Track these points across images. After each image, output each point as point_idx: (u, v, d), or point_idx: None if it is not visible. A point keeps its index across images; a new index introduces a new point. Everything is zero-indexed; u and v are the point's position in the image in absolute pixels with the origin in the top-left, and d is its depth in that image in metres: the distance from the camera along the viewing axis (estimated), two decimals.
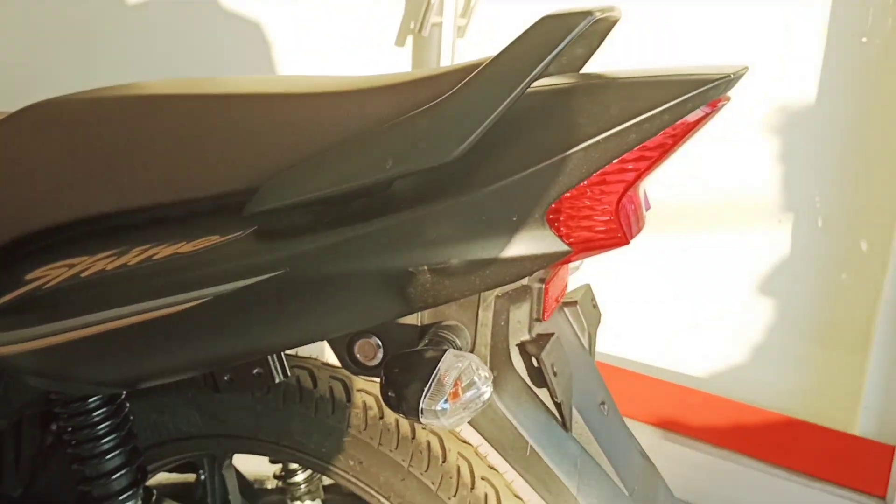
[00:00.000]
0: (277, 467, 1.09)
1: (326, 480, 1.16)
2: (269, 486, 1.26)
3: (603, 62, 0.71)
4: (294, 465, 1.07)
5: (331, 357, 0.89)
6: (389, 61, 2.15)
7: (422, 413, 0.56)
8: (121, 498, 0.77)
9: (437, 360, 0.58)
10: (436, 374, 0.56)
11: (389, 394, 0.58)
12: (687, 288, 1.97)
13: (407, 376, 0.57)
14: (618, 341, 2.09)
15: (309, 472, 1.07)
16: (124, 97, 0.69)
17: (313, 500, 1.08)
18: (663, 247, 1.97)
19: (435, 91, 0.61)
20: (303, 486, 1.07)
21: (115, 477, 0.77)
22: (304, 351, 0.92)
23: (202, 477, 1.15)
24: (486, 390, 0.59)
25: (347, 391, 0.83)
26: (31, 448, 1.04)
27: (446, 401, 0.56)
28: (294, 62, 2.00)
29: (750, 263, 1.88)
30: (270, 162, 0.63)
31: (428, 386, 0.56)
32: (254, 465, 1.24)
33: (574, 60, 0.71)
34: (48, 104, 0.70)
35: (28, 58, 1.66)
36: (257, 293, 0.62)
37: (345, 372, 0.86)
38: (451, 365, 0.57)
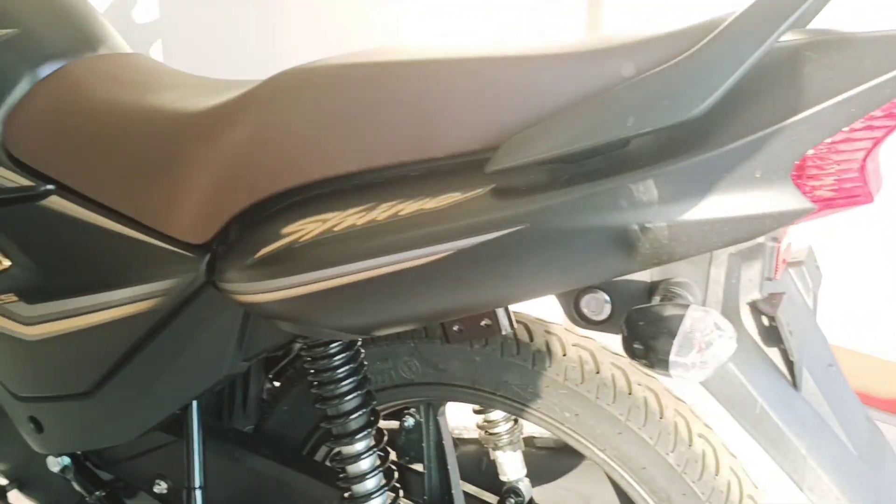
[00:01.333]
0: (479, 418, 1.13)
1: (526, 432, 1.19)
2: (466, 436, 1.32)
3: None
4: (495, 416, 1.11)
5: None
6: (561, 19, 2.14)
7: (671, 365, 0.57)
8: (357, 437, 0.84)
9: (683, 314, 0.59)
10: (683, 328, 0.58)
11: (635, 346, 0.60)
12: (874, 255, 1.87)
13: (653, 329, 0.59)
14: None
15: (511, 423, 1.11)
16: (367, 63, 0.73)
17: (514, 451, 1.12)
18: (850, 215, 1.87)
19: (675, 48, 0.62)
20: (505, 436, 1.11)
21: (353, 417, 0.83)
22: None
23: (405, 424, 1.21)
24: (731, 345, 0.59)
25: (563, 345, 0.86)
26: (255, 389, 1.14)
27: (694, 354, 0.57)
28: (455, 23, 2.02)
29: None
30: (510, 122, 0.66)
31: (677, 339, 0.57)
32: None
33: (803, 15, 0.69)
34: (298, 71, 0.76)
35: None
36: (497, 248, 0.65)
37: (560, 326, 0.89)
38: (698, 319, 0.58)
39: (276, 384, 1.18)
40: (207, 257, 0.83)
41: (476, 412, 1.12)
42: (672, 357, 0.57)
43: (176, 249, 0.84)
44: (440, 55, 0.72)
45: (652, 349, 0.58)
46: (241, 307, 0.82)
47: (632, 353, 0.60)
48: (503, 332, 0.79)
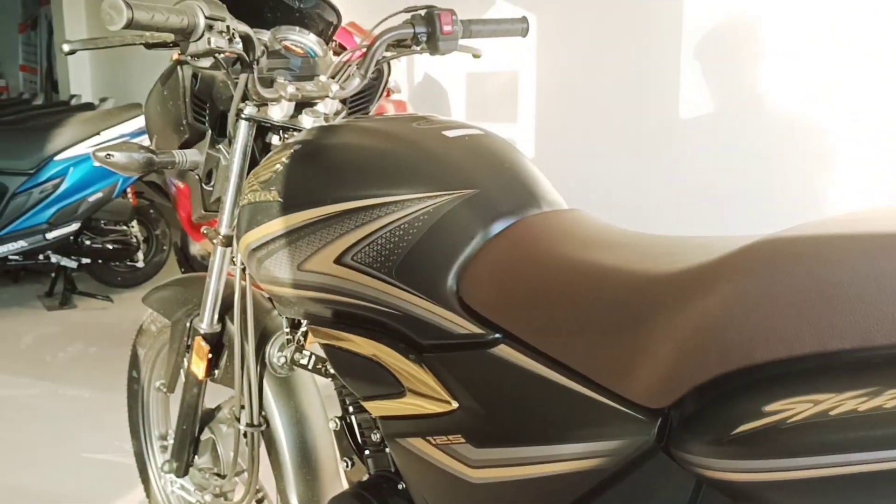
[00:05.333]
0: None
1: None
2: None
3: None
4: None
5: None
6: None
7: None
8: None
9: None
10: None
11: None
12: None
13: None
14: None
15: None
16: (866, 234, 0.68)
17: None
18: None
19: None
20: None
21: None
22: None
23: None
24: None
25: None
26: None
27: None
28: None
29: None
30: None
31: None
32: None
33: None
34: (780, 239, 0.73)
35: None
36: None
37: None
38: None
39: None
40: (659, 422, 0.81)
41: None
42: None
43: (627, 411, 0.83)
44: None
45: None
46: (694, 477, 0.78)
47: None
48: None
